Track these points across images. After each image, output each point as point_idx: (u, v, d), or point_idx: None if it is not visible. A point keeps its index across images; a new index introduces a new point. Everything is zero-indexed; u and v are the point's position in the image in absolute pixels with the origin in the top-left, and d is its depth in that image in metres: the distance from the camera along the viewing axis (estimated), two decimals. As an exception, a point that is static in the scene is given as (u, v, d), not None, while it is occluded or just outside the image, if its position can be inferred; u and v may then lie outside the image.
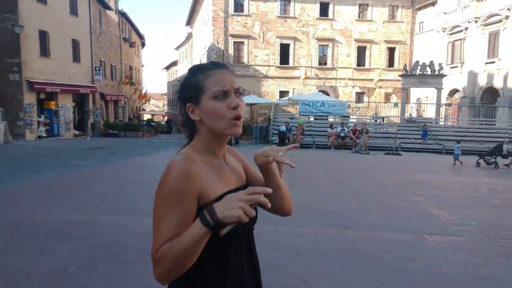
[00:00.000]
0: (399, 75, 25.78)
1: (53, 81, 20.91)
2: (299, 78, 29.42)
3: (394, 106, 26.59)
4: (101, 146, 17.32)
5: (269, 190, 0.94)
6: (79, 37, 23.91)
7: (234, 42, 28.83)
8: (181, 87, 1.13)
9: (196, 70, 1.12)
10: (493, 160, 13.38)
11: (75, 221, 5.05)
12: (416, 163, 13.97)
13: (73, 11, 23.50)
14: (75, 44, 23.59)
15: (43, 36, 20.40)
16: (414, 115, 28.54)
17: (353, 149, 18.23)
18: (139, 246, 4.10)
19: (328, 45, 29.76)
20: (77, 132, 24.14)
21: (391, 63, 30.81)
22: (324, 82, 29.94)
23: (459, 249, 4.41)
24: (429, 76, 23.61)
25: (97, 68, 26.00)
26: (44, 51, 20.54)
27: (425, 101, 28.01)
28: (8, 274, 3.32)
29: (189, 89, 1.10)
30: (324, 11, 29.40)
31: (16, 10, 18.50)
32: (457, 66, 26.26)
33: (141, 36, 45.51)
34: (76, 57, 23.76)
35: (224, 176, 1.11)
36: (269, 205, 0.94)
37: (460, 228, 5.27)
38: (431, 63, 23.63)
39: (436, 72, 23.55)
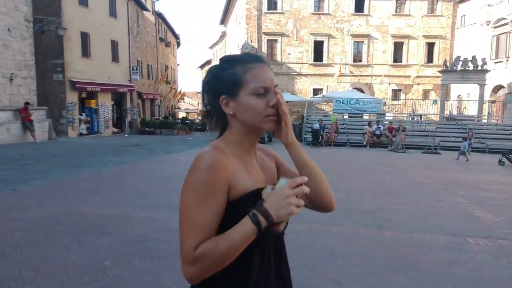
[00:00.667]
0: (439, 71, 24.78)
1: (94, 81, 21.71)
2: (333, 75, 28.96)
3: (433, 103, 25.62)
4: (137, 143, 17.80)
5: (306, 179, 0.93)
6: (117, 38, 24.66)
7: (268, 40, 28.78)
8: (213, 77, 1.08)
9: (232, 61, 1.06)
10: None
11: (111, 216, 5.18)
12: (457, 163, 13.39)
13: (113, 12, 24.27)
14: (114, 45, 24.35)
15: (84, 38, 21.21)
16: (454, 112, 27.39)
17: (389, 147, 17.74)
18: (172, 242, 4.14)
19: (363, 42, 29.11)
20: (116, 130, 24.93)
21: (430, 58, 29.71)
22: (359, 79, 29.33)
23: (505, 254, 4.15)
24: (471, 71, 22.56)
25: (135, 68, 26.73)
26: (85, 52, 21.35)
27: (466, 98, 26.83)
28: (47, 265, 3.44)
29: (225, 81, 1.04)
30: (359, 6, 28.76)
31: (60, 14, 19.32)
32: (502, 61, 24.93)
33: (176, 36, 46.34)
34: (115, 57, 24.53)
35: (254, 173, 1.07)
36: (309, 191, 0.93)
37: (506, 232, 4.97)
38: (474, 58, 22.57)
39: (479, 68, 22.46)
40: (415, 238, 4.66)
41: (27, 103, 15.89)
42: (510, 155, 13.06)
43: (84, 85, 20.86)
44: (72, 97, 20.35)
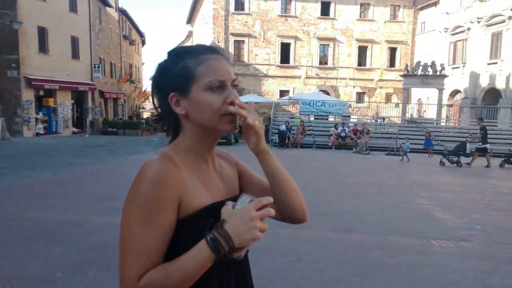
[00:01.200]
0: (400, 75, 25.59)
1: (52, 78, 20.70)
2: (299, 77, 29.24)
3: (395, 107, 26.41)
4: (99, 144, 17.13)
5: (271, 199, 0.80)
6: (78, 34, 23.69)
7: (235, 40, 28.65)
8: (161, 73, 0.92)
9: (182, 53, 0.91)
10: (456, 159, 13.35)
11: (67, 221, 4.85)
12: (418, 164, 13.77)
13: (73, 7, 23.30)
14: (74, 41, 23.38)
15: (42, 33, 20.20)
16: (415, 115, 28.35)
17: (354, 149, 18.04)
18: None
19: (329, 45, 29.58)
20: (76, 130, 23.94)
21: (392, 63, 30.64)
22: (324, 82, 29.76)
23: (467, 256, 4.21)
24: (430, 76, 23.42)
25: (96, 66, 25.79)
26: (43, 47, 20.34)
27: (426, 102, 27.84)
28: (-10, 279, 3.12)
29: (174, 76, 0.89)
30: (325, 10, 29.21)
31: (15, 6, 18.30)
32: (459, 67, 26.07)
33: (141, 34, 45.25)
34: (75, 54, 23.56)
35: (210, 184, 0.91)
36: (274, 213, 0.81)
37: (467, 233, 5.07)
38: (433, 63, 23.44)
39: (438, 73, 23.36)
40: (381, 241, 4.65)
41: (-23, 101, 14.90)
42: (450, 156, 13.54)
43: (41, 82, 19.84)
44: (28, 95, 19.32)
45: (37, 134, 20.03)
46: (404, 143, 15.45)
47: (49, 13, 20.59)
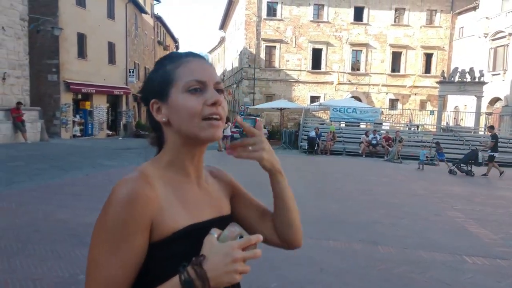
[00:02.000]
0: (436, 82, 24.75)
1: (89, 82, 21.46)
2: (331, 83, 28.90)
3: (430, 114, 25.54)
4: (131, 146, 17.54)
5: (261, 238, 0.73)
6: (115, 39, 24.47)
7: (266, 46, 28.71)
8: (145, 82, 0.89)
9: (164, 60, 0.87)
10: (467, 168, 12.87)
11: (93, 224, 4.93)
12: (453, 175, 13.22)
13: (110, 14, 24.11)
14: (111, 47, 24.16)
15: (81, 39, 21.02)
16: (451, 123, 27.32)
17: (385, 157, 17.57)
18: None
19: (361, 50, 29.09)
20: (110, 132, 24.66)
21: (428, 69, 29.73)
22: (356, 88, 29.27)
23: (504, 275, 3.94)
24: (468, 83, 22.51)
25: (131, 70, 26.54)
26: (81, 53, 21.14)
27: (463, 110, 26.79)
28: (15, 277, 3.20)
29: (154, 82, 0.85)
30: (358, 15, 28.78)
31: (56, 13, 19.12)
32: (499, 74, 24.92)
33: (175, 40, 46.27)
34: (112, 59, 24.33)
35: (191, 202, 0.84)
36: (260, 255, 0.73)
37: (504, 250, 4.77)
38: (471, 69, 22.53)
39: (477, 80, 22.42)
40: (410, 255, 4.45)
41: (19, 103, 15.61)
42: (461, 165, 13.02)
43: (79, 86, 20.62)
44: (66, 98, 20.11)
45: (74, 136, 20.78)
46: (428, 152, 15.05)
47: (88, 20, 21.40)
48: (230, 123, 19.87)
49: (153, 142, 0.91)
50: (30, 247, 3.98)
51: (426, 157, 16.53)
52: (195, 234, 0.77)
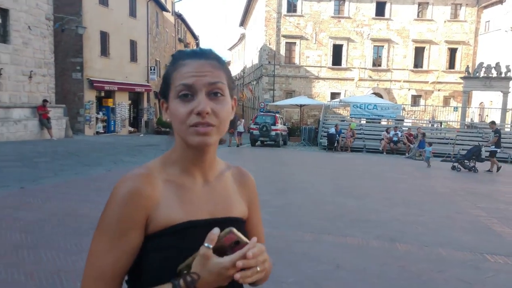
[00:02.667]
0: (461, 78, 24.15)
1: (112, 80, 21.91)
2: (351, 79, 28.57)
3: (454, 110, 24.95)
4: (152, 143, 17.83)
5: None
6: (136, 37, 24.88)
7: (286, 42, 28.60)
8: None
9: (172, 58, 0.89)
10: (471, 164, 12.69)
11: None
12: (457, 171, 12.85)
13: (132, 12, 24.50)
14: (133, 45, 24.57)
15: (104, 37, 21.46)
16: (476, 120, 26.60)
17: (407, 154, 17.30)
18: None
19: (383, 46, 28.63)
20: (132, 129, 25.12)
21: (451, 64, 29.00)
22: (378, 84, 28.84)
23: (526, 275, 3.86)
24: (494, 78, 21.89)
25: (152, 68, 26.92)
26: (104, 51, 21.59)
27: (489, 106, 26.04)
28: (41, 269, 3.33)
29: (163, 81, 0.89)
30: (380, 10, 28.31)
31: (80, 13, 19.56)
32: (527, 68, 24.07)
33: (195, 37, 46.60)
34: (133, 57, 24.74)
35: (190, 200, 0.85)
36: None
37: (528, 250, 4.66)
38: (497, 64, 21.89)
39: (503, 75, 21.78)
40: (430, 252, 4.39)
41: (45, 101, 16.09)
42: (465, 161, 12.88)
43: (102, 84, 21.07)
44: (90, 96, 20.59)
45: (97, 132, 21.28)
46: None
47: (110, 18, 21.82)
48: (242, 120, 21.10)
49: (170, 137, 0.95)
50: (55, 240, 4.13)
51: (448, 154, 16.21)
52: (190, 231, 0.79)
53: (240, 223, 0.89)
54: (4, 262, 3.46)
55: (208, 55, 0.85)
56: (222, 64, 0.85)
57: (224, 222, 0.81)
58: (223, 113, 0.82)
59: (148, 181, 0.81)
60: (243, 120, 21.67)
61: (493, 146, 12.92)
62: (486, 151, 13.61)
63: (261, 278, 0.78)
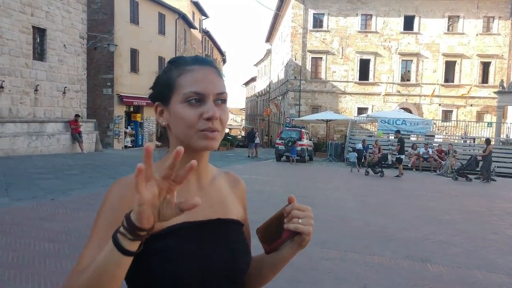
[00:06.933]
0: (495, 92, 23.36)
1: (140, 95, 22.46)
2: (379, 94, 28.15)
3: (488, 126, 24.06)
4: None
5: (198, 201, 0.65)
6: (165, 54, 25.49)
7: (312, 57, 28.59)
8: (154, 82, 0.92)
9: (172, 63, 0.90)
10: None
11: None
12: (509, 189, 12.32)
13: (161, 30, 25.21)
14: (161, 61, 25.18)
15: (134, 54, 22.13)
16: (511, 136, 25.54)
17: (438, 171, 16.73)
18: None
19: (412, 60, 28.14)
20: (159, 143, 25.44)
21: (485, 79, 28.11)
22: (406, 99, 28.27)
23: None
24: (531, 93, 21.03)
25: (180, 84, 27.45)
26: (134, 67, 22.24)
27: (525, 121, 24.97)
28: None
29: (159, 84, 0.88)
30: (408, 24, 27.93)
31: (112, 31, 20.31)
32: None
33: (222, 53, 47.42)
34: (162, 73, 25.30)
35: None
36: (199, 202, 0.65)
37: None
38: (534, 78, 21.05)
39: (540, 89, 20.90)
40: (464, 275, 4.16)
41: (77, 116, 16.64)
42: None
43: (131, 99, 21.64)
44: (119, 111, 21.16)
45: (125, 146, 21.77)
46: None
47: (140, 36, 22.52)
48: (257, 133, 24.15)
49: (160, 141, 0.95)
50: (77, 251, 4.17)
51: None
52: (185, 231, 0.80)
53: (238, 226, 0.91)
54: (31, 271, 3.52)
55: (210, 63, 0.88)
56: (220, 72, 0.89)
57: (221, 224, 0.85)
58: (226, 119, 0.85)
59: None
60: (257, 133, 24.10)
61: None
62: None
63: (308, 234, 0.82)
